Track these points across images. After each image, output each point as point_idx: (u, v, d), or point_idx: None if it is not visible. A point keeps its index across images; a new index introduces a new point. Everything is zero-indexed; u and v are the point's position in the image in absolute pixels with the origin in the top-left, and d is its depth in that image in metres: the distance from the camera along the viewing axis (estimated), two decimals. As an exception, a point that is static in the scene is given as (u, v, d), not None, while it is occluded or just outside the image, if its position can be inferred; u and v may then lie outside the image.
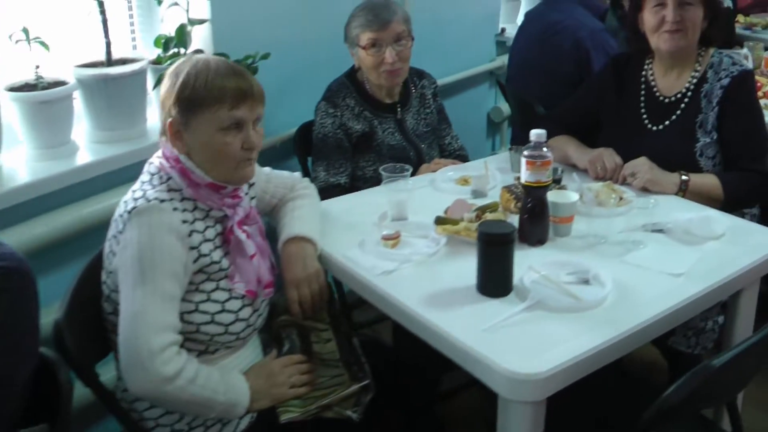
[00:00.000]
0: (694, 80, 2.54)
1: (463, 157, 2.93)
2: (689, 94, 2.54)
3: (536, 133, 2.00)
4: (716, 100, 2.48)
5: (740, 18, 5.34)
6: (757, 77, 3.61)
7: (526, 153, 2.01)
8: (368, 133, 2.71)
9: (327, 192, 2.49)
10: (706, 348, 2.41)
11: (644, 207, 2.26)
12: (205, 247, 1.79)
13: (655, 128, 2.58)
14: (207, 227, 1.81)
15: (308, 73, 3.07)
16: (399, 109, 2.81)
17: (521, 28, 3.50)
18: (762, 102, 3.22)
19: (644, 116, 2.60)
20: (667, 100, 2.58)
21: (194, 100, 1.73)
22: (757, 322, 2.14)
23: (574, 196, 2.10)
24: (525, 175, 2.02)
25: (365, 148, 2.74)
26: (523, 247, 2.04)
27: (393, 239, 2.07)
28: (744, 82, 2.49)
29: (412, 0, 3.42)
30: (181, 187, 1.79)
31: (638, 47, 2.62)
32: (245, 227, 1.90)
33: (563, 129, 2.72)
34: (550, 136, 2.66)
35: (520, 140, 2.55)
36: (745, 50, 3.90)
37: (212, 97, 1.72)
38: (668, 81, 2.60)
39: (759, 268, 2.02)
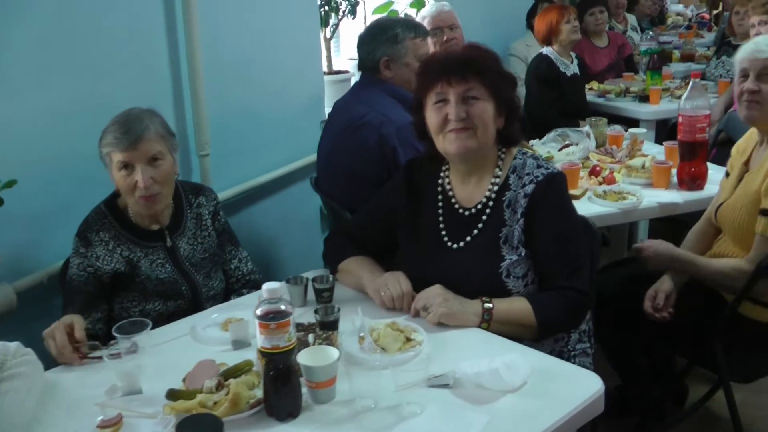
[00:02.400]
0: (495, 187, 2.20)
1: (254, 283, 2.53)
2: (491, 204, 2.20)
3: (269, 288, 1.61)
4: (521, 211, 2.14)
5: (594, 85, 5.14)
6: (599, 157, 3.34)
7: (258, 312, 1.61)
8: (126, 270, 2.28)
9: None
10: None
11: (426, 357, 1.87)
12: None
13: (455, 245, 2.21)
14: None
15: (79, 194, 2.60)
16: (168, 236, 2.39)
17: (328, 121, 3.13)
18: (602, 188, 2.94)
19: (443, 231, 2.22)
20: (467, 213, 2.22)
21: None
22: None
23: (332, 354, 1.71)
24: (260, 340, 1.62)
25: (128, 285, 2.32)
26: (271, 424, 1.63)
27: (111, 426, 1.64)
28: (550, 187, 2.14)
29: (222, 93, 3.14)
30: None
31: (430, 153, 2.26)
32: None
33: (358, 247, 2.35)
34: (342, 255, 2.33)
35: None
36: (586, 128, 3.63)
37: None
38: (467, 190, 2.25)
39: (566, 426, 1.65)
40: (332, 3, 4.17)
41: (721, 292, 2.54)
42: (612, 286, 2.77)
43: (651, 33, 5.76)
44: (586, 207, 2.92)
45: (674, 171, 3.12)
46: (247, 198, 3.39)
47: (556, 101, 4.70)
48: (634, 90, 4.91)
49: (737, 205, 2.54)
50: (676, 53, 6.40)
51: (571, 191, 2.96)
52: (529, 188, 2.14)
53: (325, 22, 4.13)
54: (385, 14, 4.69)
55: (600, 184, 3.12)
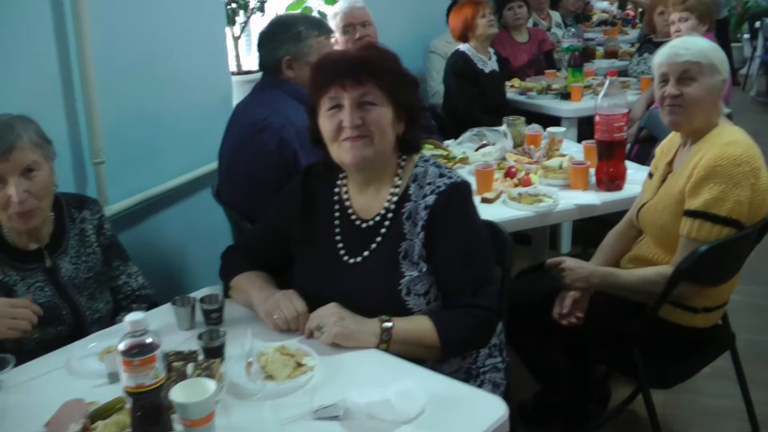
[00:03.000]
0: (395, 198, 2.06)
1: (144, 298, 2.35)
2: (389, 216, 2.05)
3: (132, 320, 1.44)
4: (421, 224, 2.00)
5: (515, 82, 5.06)
6: (516, 157, 3.23)
7: (120, 347, 1.44)
8: (1, 297, 2.08)
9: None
10: None
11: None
12: None
13: (352, 260, 2.06)
14: None
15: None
16: (47, 256, 2.19)
17: (228, 124, 2.93)
18: (517, 191, 2.83)
19: (340, 245, 2.07)
20: (365, 225, 2.08)
21: None
22: None
23: (208, 388, 1.54)
24: (124, 379, 1.45)
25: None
26: (140, 470, 1.46)
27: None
28: (453, 199, 2.00)
29: (119, 96, 2.94)
30: None
31: (326, 162, 2.10)
32: None
33: (254, 261, 2.19)
34: (234, 270, 2.17)
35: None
36: (503, 127, 3.52)
37: None
38: (365, 200, 2.10)
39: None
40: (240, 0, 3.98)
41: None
42: (529, 292, 2.68)
43: (574, 29, 5.69)
44: (500, 211, 2.80)
45: (593, 171, 3.01)
46: (148, 208, 3.19)
47: (477, 97, 4.59)
48: (555, 87, 4.83)
49: (660, 206, 2.45)
50: (600, 50, 6.36)
51: (485, 194, 2.85)
52: (430, 199, 1.99)
53: (232, 20, 3.94)
54: (298, 11, 4.52)
55: (515, 186, 3.00)
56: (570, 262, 2.53)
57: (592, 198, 2.88)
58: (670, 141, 2.63)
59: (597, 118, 2.90)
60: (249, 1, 3.97)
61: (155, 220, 3.27)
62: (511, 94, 4.98)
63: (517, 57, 5.60)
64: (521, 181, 3.01)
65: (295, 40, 2.80)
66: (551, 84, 4.91)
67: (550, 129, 3.60)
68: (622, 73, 5.64)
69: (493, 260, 2.13)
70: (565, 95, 4.69)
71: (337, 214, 2.11)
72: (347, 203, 2.11)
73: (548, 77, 5.24)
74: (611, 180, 2.94)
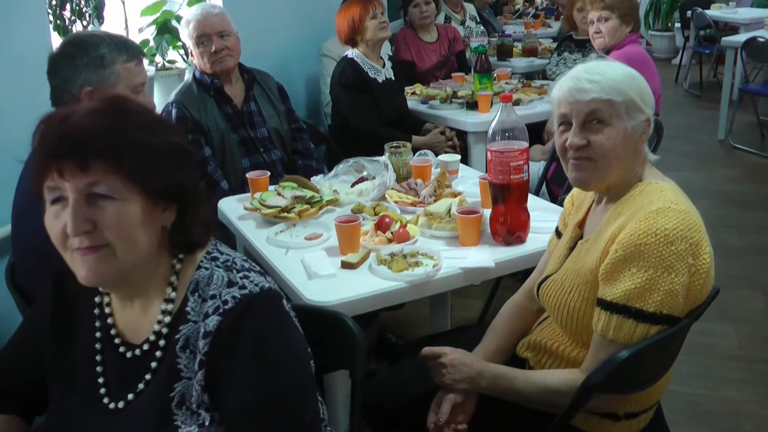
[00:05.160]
0: (168, 318, 1.39)
1: None
2: (161, 342, 1.38)
3: None
4: (200, 358, 1.34)
5: (417, 88, 4.39)
6: (398, 196, 2.56)
7: None
8: None
9: None
10: None
11: None
12: None
13: (114, 405, 1.40)
14: None
15: None
16: None
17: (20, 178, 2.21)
18: (389, 250, 2.19)
19: (100, 380, 1.42)
20: (131, 354, 1.41)
21: None
22: None
23: None
24: None
25: None
26: None
27: None
28: (245, 321, 1.34)
29: None
30: None
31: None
32: None
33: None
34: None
35: None
36: (384, 158, 2.85)
37: None
38: (131, 318, 1.43)
39: None
40: (74, 6, 3.23)
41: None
42: (399, 392, 2.05)
43: (482, 28, 5.04)
44: (363, 280, 2.14)
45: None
46: None
47: (371, 108, 3.92)
48: (462, 94, 4.17)
49: (567, 285, 1.83)
50: (518, 47, 5.72)
51: (347, 257, 2.19)
52: (212, 322, 1.33)
53: (64, 31, 3.20)
54: (156, 14, 3.80)
55: (389, 242, 2.33)
56: (452, 356, 1.92)
57: (484, 258, 2.22)
58: (582, 192, 1.99)
59: (488, 156, 2.25)
60: (84, 9, 3.22)
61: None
62: (413, 102, 4.31)
63: (425, 59, 4.97)
64: (396, 235, 2.34)
65: (96, 67, 2.13)
66: (457, 90, 4.25)
67: (442, 157, 2.94)
68: (542, 73, 5.04)
69: (315, 397, 1.46)
70: (472, 104, 4.03)
71: (98, 335, 1.44)
72: (109, 320, 1.44)
73: (456, 81, 4.58)
74: (510, 232, 2.30)
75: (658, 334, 1.65)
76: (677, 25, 9.77)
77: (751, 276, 4.11)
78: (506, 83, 4.58)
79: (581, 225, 1.94)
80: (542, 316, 2.04)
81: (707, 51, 8.17)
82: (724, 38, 6.63)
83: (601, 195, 1.87)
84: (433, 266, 2.17)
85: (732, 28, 8.06)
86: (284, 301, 1.44)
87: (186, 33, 3.25)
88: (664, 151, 4.92)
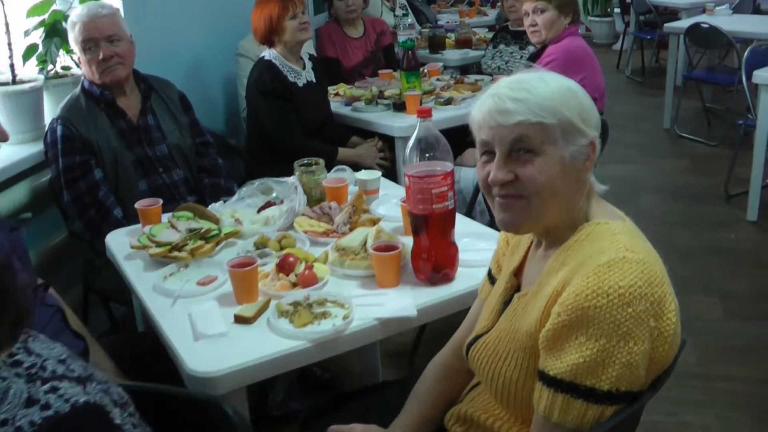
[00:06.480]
0: None
1: None
2: None
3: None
4: None
5: (341, 88, 4.01)
6: (309, 224, 2.20)
7: None
8: None
9: None
10: None
11: None
12: None
13: None
14: None
15: None
16: None
17: None
18: (291, 297, 1.86)
19: None
20: None
21: None
22: None
23: None
24: None
25: None
26: None
27: None
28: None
29: None
30: None
31: None
32: None
33: None
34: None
35: None
36: (293, 178, 2.48)
37: None
38: None
39: None
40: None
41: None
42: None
43: (410, 20, 4.68)
44: (260, 339, 1.77)
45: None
46: None
47: (293, 117, 3.55)
48: (389, 94, 3.80)
49: (502, 351, 1.48)
50: (451, 37, 5.37)
51: (240, 310, 1.82)
52: None
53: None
54: (44, 15, 3.37)
55: (294, 286, 1.97)
56: None
57: (404, 305, 1.86)
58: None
59: (406, 181, 1.90)
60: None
61: None
62: (336, 104, 3.94)
63: (350, 55, 4.62)
64: (300, 278, 1.97)
65: None
66: (384, 90, 3.88)
67: (359, 175, 2.58)
68: (477, 66, 4.70)
69: None
70: (400, 105, 3.67)
71: None
72: None
73: (383, 79, 4.21)
74: (435, 269, 1.95)
75: (616, 416, 1.30)
76: (617, 10, 9.53)
77: (706, 280, 3.81)
78: (437, 79, 4.23)
79: (518, 272, 1.59)
80: (474, 379, 1.70)
81: (648, 37, 7.93)
82: (666, 24, 6.37)
83: (539, 238, 1.52)
84: (343, 318, 1.81)
85: (672, 12, 7.83)
86: (117, 413, 1.07)
87: (72, 37, 2.84)
88: (609, 143, 4.65)
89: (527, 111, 1.34)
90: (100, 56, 2.75)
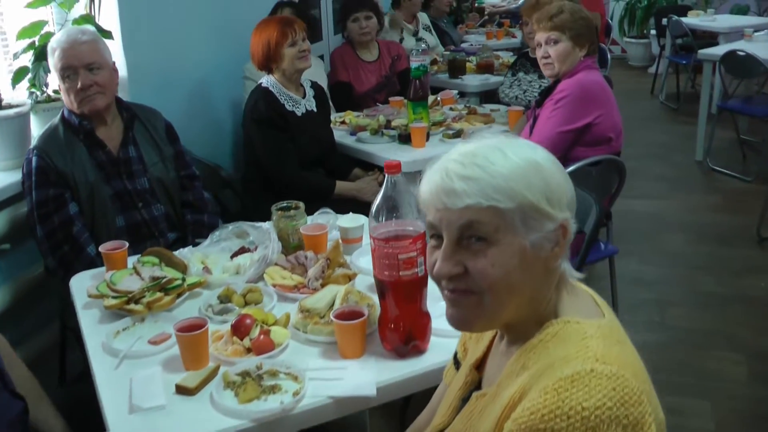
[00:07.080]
0: None
1: None
2: None
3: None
4: None
5: (347, 116, 3.84)
6: (281, 276, 2.03)
7: None
8: None
9: None
10: None
11: None
12: None
13: None
14: None
15: None
16: None
17: None
18: (241, 366, 1.68)
19: None
20: None
21: None
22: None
23: None
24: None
25: None
26: None
27: None
28: None
29: None
30: None
31: None
32: None
33: None
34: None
35: None
36: (268, 223, 2.30)
37: None
38: None
39: None
40: None
41: None
42: None
43: (424, 45, 4.50)
44: (195, 418, 1.60)
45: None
46: None
47: (288, 148, 3.39)
48: (396, 124, 3.62)
49: None
50: (473, 61, 5.18)
51: (182, 379, 1.65)
52: None
53: None
54: (34, 38, 3.26)
55: (247, 352, 1.79)
56: None
57: (363, 382, 1.68)
58: None
59: (372, 244, 1.71)
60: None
61: None
62: (340, 133, 3.77)
63: (363, 80, 4.44)
64: (254, 344, 1.79)
65: None
66: (392, 119, 3.69)
67: (341, 222, 2.39)
68: (494, 95, 4.50)
69: None
70: (406, 137, 3.48)
71: None
72: None
73: (393, 107, 4.03)
74: (404, 341, 1.76)
75: None
76: (653, 32, 9.25)
77: (731, 334, 3.46)
78: (450, 108, 4.04)
79: (480, 365, 1.39)
80: None
81: (684, 62, 7.63)
82: (701, 51, 6.07)
83: (501, 331, 1.32)
84: (294, 394, 1.62)
85: (710, 36, 7.53)
86: None
87: (51, 63, 2.71)
88: (636, 176, 4.39)
89: (478, 193, 1.14)
90: (79, 85, 2.61)
